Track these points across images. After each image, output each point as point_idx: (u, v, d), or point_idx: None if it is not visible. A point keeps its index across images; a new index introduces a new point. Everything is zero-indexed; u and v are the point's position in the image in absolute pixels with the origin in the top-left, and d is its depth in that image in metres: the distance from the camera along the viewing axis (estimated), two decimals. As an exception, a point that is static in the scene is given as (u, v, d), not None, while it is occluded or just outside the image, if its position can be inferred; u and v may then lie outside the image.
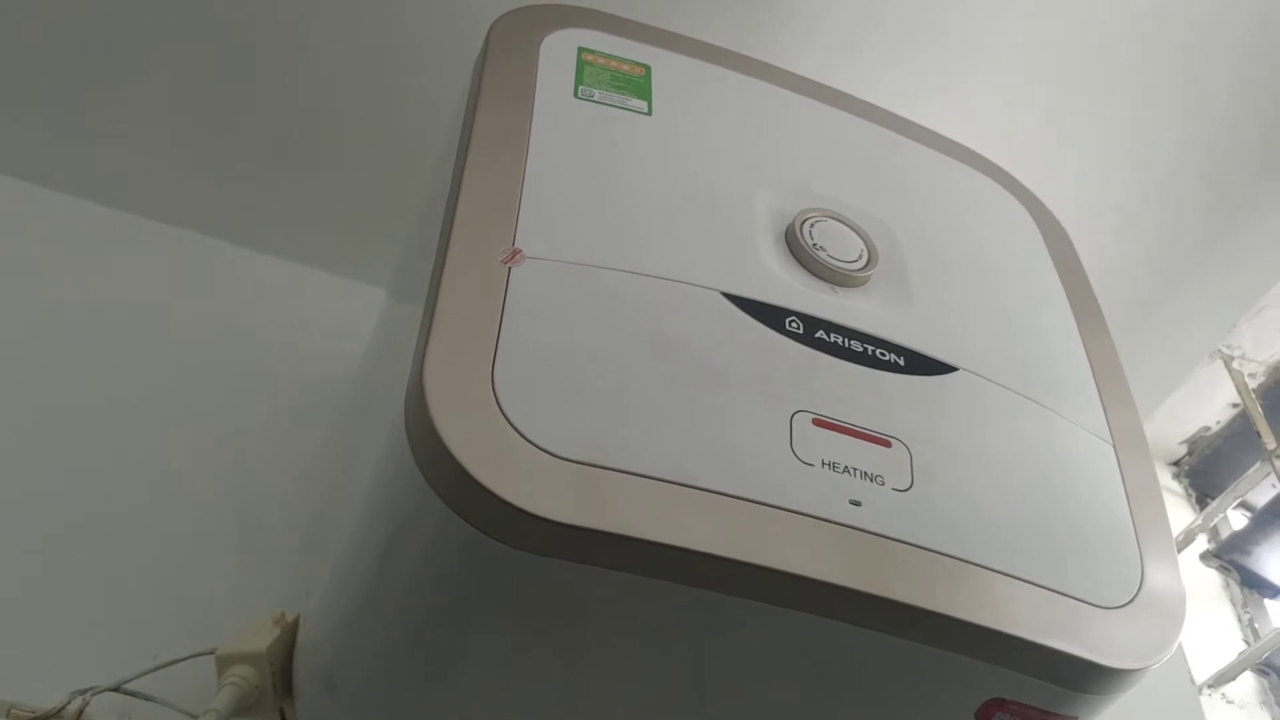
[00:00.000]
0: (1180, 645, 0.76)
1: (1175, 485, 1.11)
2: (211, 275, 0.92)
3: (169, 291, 0.90)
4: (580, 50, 0.64)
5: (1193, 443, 1.12)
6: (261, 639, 0.62)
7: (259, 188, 0.94)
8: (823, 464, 0.49)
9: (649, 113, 0.62)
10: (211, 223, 0.93)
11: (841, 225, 0.60)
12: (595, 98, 0.61)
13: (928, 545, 0.48)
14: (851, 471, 0.49)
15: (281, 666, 0.62)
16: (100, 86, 0.89)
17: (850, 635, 0.47)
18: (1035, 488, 0.53)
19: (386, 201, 0.92)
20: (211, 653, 0.63)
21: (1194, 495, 1.11)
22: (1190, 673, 0.96)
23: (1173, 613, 0.52)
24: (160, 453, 0.79)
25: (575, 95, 0.61)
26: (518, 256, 0.51)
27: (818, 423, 0.50)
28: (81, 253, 0.89)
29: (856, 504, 0.48)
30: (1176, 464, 1.13)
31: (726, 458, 0.47)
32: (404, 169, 0.89)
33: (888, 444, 0.51)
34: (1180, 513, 1.08)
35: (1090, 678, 0.50)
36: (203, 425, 0.82)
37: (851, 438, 0.50)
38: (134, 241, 0.91)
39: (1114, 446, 0.58)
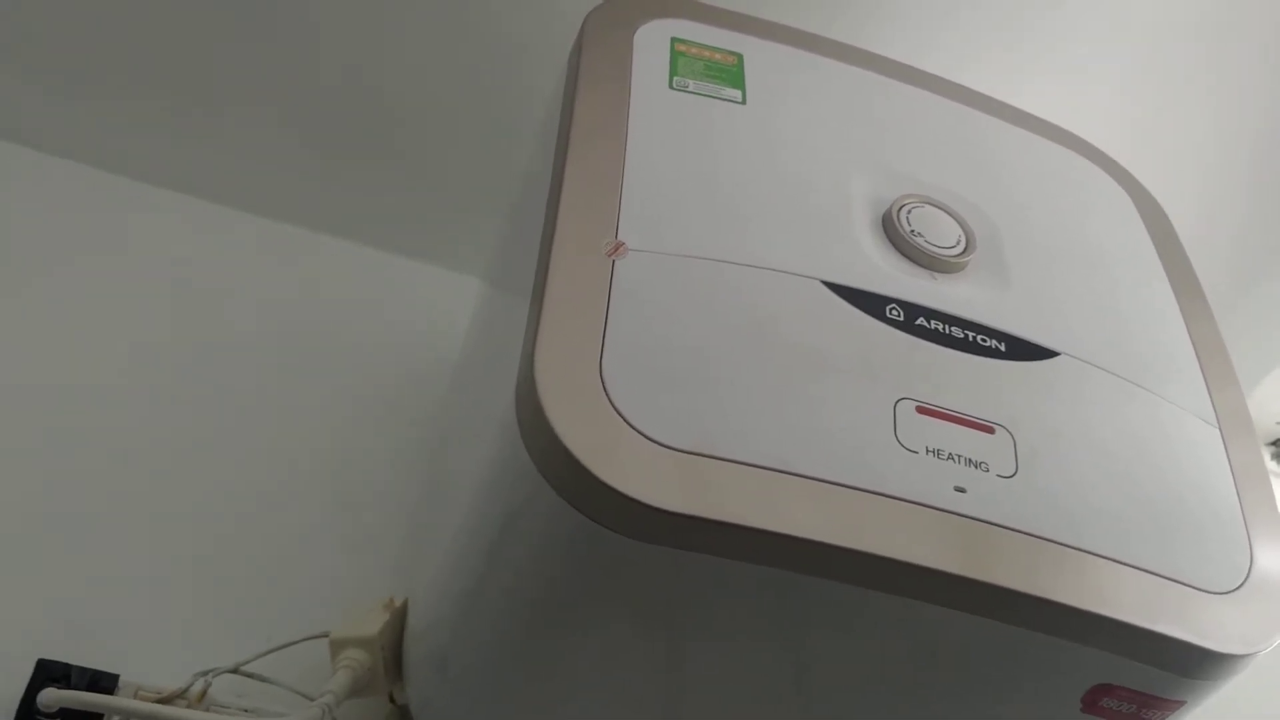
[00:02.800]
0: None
1: (1274, 465, 1.09)
2: (313, 267, 0.95)
3: (272, 284, 0.92)
4: (673, 40, 0.64)
5: (1294, 421, 1.10)
6: (372, 623, 0.64)
7: (354, 180, 0.96)
8: (927, 451, 0.49)
9: (743, 101, 0.62)
10: (313, 216, 0.95)
11: (938, 210, 0.59)
12: (690, 88, 0.62)
13: (1033, 531, 0.48)
14: (955, 458, 0.49)
15: (392, 650, 0.64)
16: (190, 81, 0.92)
17: (957, 621, 0.47)
18: (1140, 472, 0.53)
19: (480, 191, 0.93)
20: (324, 636, 0.65)
21: (1294, 475, 1.09)
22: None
23: (1283, 597, 0.52)
24: (270, 444, 0.81)
25: (670, 86, 0.62)
26: (621, 249, 0.52)
27: (921, 410, 0.50)
28: (185, 247, 0.92)
29: (961, 490, 0.48)
30: (1275, 444, 1.11)
31: (832, 446, 0.48)
32: (497, 158, 0.91)
33: (991, 430, 0.51)
34: (1278, 493, 1.06)
35: (1199, 663, 0.49)
36: (308, 416, 0.84)
37: (955, 424, 0.50)
38: (236, 235, 0.94)
39: (1219, 429, 0.57)
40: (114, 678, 0.62)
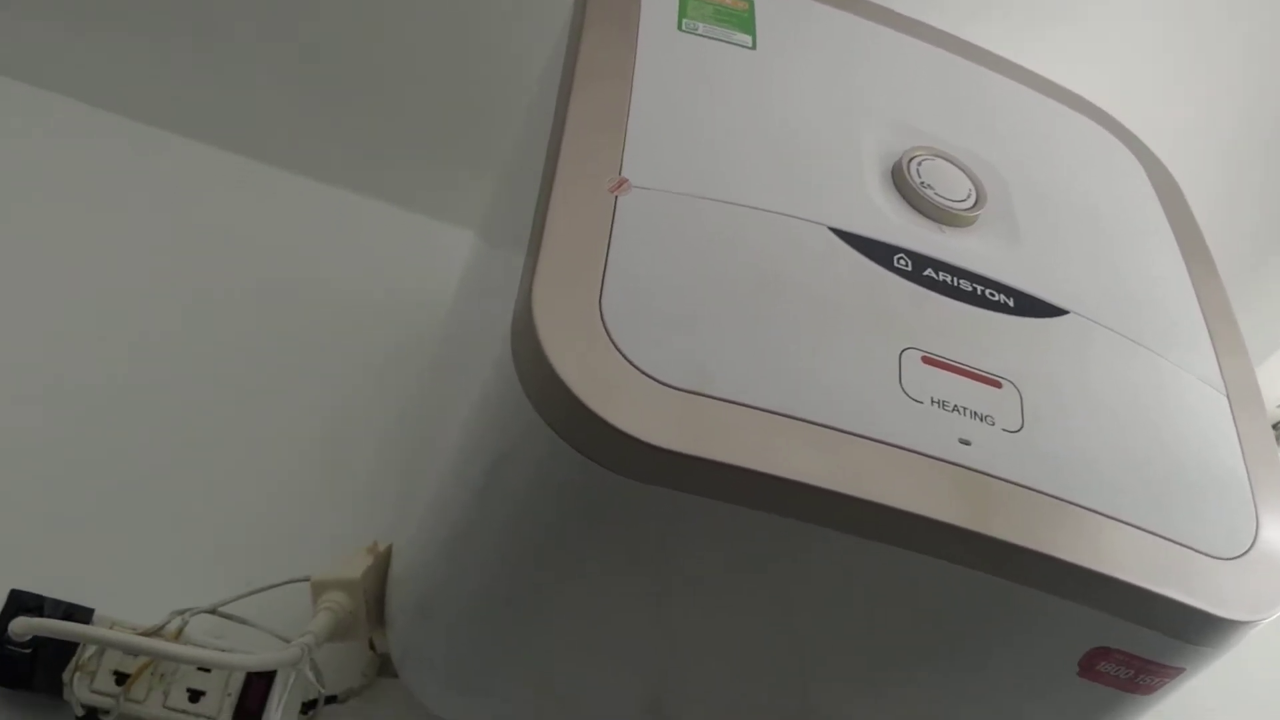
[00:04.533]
0: None
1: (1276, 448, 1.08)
2: (308, 216, 0.93)
3: (263, 229, 0.91)
4: (683, -17, 0.63)
5: (1294, 405, 1.09)
6: (355, 567, 0.62)
7: (353, 128, 0.95)
8: (932, 402, 0.48)
9: (753, 47, 0.61)
10: (311, 165, 0.94)
11: (949, 164, 0.58)
12: (699, 31, 0.60)
13: (1038, 487, 0.47)
14: (961, 410, 0.48)
15: (375, 595, 0.63)
16: (178, 15, 0.90)
17: (956, 576, 0.46)
18: (1149, 434, 0.52)
19: (482, 144, 0.92)
20: (306, 580, 0.63)
21: (1292, 459, 1.08)
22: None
23: (1289, 566, 0.51)
24: (256, 387, 0.80)
25: (679, 28, 0.60)
26: (625, 186, 0.50)
27: (927, 360, 0.49)
28: (179, 189, 0.90)
29: (966, 443, 0.47)
30: (1276, 426, 1.10)
31: (835, 392, 0.47)
32: (497, 107, 0.89)
33: (998, 384, 0.50)
34: None
35: (1200, 628, 0.48)
36: (298, 360, 0.82)
37: (961, 377, 0.49)
38: (231, 179, 0.92)
39: (1228, 396, 0.56)
40: (89, 612, 0.60)
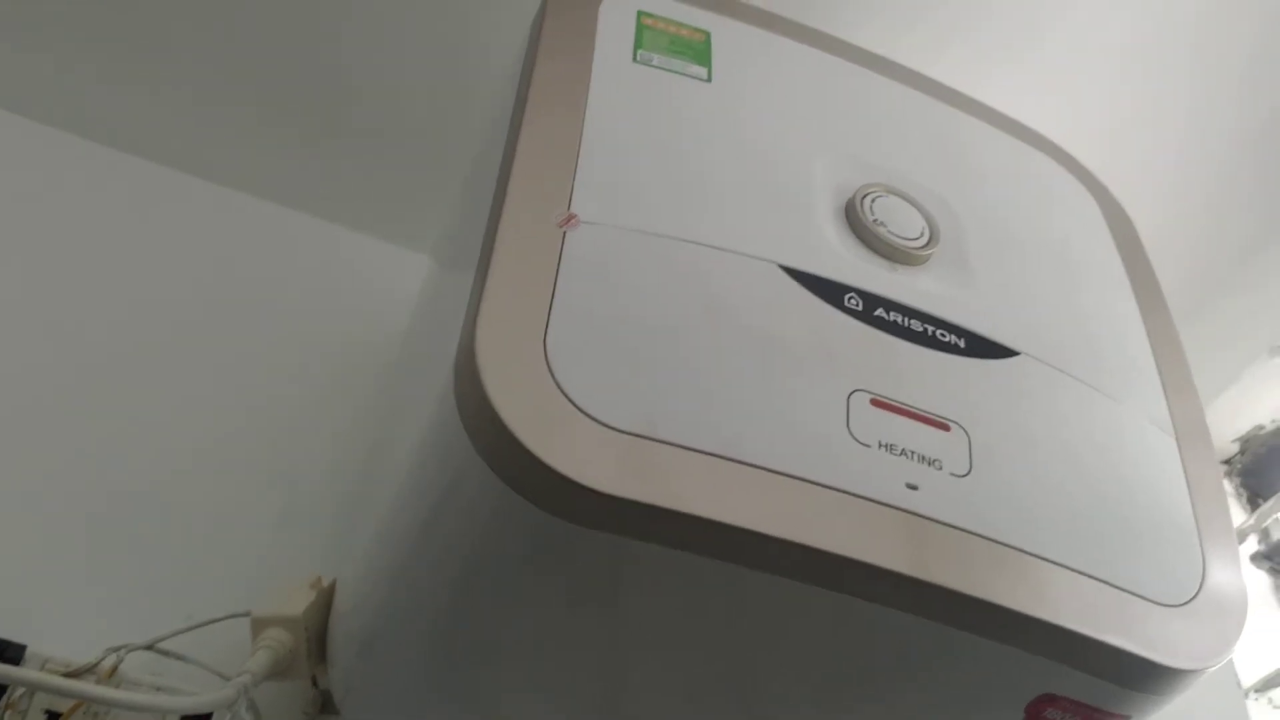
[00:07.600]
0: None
1: (1226, 484, 1.09)
2: (257, 236, 0.92)
3: (213, 250, 0.89)
4: (640, 14, 0.62)
5: (1245, 441, 1.10)
6: (297, 603, 0.61)
7: (305, 150, 0.94)
8: (879, 445, 0.47)
9: (708, 79, 0.60)
10: (259, 184, 0.93)
11: (903, 201, 0.58)
12: (654, 62, 0.60)
13: (985, 533, 0.47)
14: (909, 454, 0.47)
15: (317, 632, 0.62)
16: (149, 41, 0.89)
17: (903, 623, 0.46)
18: (1097, 479, 0.52)
19: (433, 167, 0.91)
20: (246, 615, 0.62)
21: (1245, 495, 1.09)
22: (1237, 676, 0.94)
23: (1234, 613, 0.51)
24: (200, 415, 0.78)
25: (634, 59, 0.60)
26: (573, 221, 0.50)
27: (875, 403, 0.48)
28: (128, 209, 0.89)
29: (914, 488, 0.47)
30: (1228, 462, 1.11)
31: (781, 435, 0.46)
32: (453, 133, 0.88)
33: (947, 427, 0.49)
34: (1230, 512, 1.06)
35: (1146, 676, 0.48)
36: (243, 388, 0.81)
37: (910, 419, 0.49)
38: (180, 200, 0.91)
39: (1176, 438, 0.56)
40: (21, 648, 0.59)
